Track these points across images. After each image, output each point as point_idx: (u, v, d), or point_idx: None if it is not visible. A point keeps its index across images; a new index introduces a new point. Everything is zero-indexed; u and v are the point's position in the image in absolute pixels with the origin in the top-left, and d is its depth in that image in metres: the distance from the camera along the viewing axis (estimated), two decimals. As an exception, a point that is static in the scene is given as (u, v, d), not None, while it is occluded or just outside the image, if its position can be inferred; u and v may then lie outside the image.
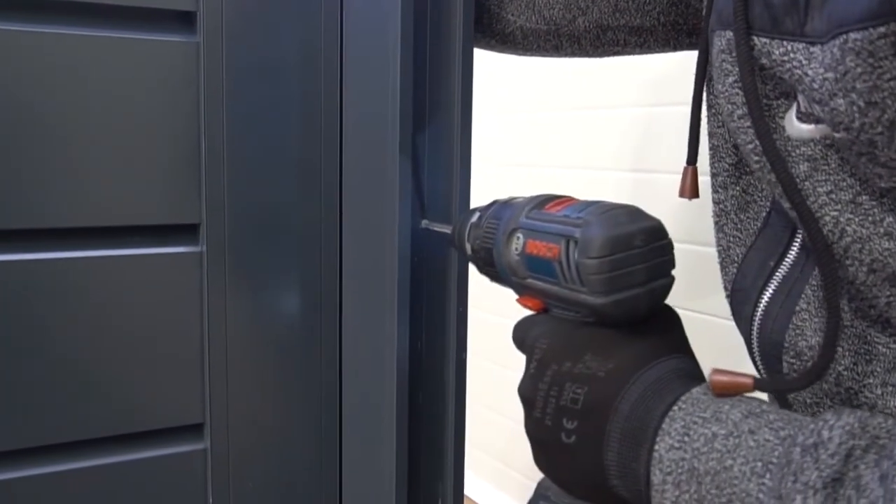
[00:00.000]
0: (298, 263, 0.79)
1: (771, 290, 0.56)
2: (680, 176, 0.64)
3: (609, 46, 0.79)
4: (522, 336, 0.59)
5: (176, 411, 0.77)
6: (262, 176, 0.77)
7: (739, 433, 0.46)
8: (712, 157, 0.62)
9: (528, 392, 0.55)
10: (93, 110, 0.70)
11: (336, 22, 0.77)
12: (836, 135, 0.46)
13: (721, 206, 0.61)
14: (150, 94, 0.72)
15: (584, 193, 0.57)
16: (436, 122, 0.74)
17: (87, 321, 0.73)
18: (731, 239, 0.61)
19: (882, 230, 0.47)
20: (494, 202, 0.63)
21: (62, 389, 0.72)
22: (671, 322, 0.56)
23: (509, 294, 0.62)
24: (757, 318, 0.57)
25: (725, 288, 0.62)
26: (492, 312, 1.85)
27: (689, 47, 0.79)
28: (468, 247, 0.64)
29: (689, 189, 0.63)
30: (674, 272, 0.54)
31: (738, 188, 0.60)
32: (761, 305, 0.57)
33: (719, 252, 0.62)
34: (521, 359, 0.59)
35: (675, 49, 0.80)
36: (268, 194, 0.77)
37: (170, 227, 0.75)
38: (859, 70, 0.42)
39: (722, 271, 0.62)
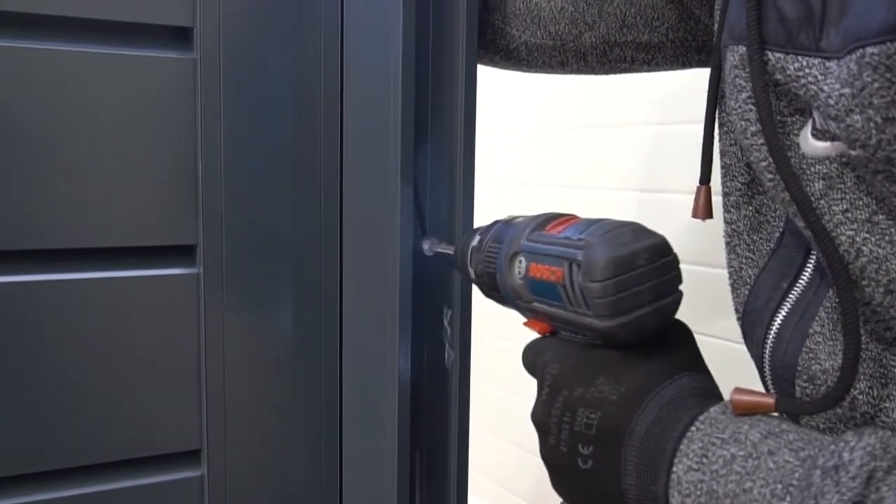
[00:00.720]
0: (298, 285, 0.78)
1: (784, 313, 0.56)
2: (689, 196, 0.64)
3: (616, 63, 0.78)
4: (532, 361, 0.58)
5: (173, 437, 0.76)
6: (261, 195, 0.76)
7: (759, 454, 0.46)
8: (724, 175, 0.61)
9: (542, 419, 0.55)
10: (87, 128, 0.69)
11: (336, 39, 0.76)
12: (853, 152, 0.45)
13: (733, 226, 0.61)
14: (146, 112, 0.71)
15: (590, 213, 0.56)
16: (438, 139, 0.73)
17: (81, 345, 0.71)
18: (744, 260, 0.60)
19: None
20: (496, 222, 0.63)
21: (55, 414, 0.71)
22: (683, 338, 0.56)
23: (515, 317, 0.61)
24: (769, 341, 0.56)
25: (737, 310, 0.61)
26: (497, 336, 1.84)
27: (699, 64, 0.78)
28: (471, 271, 0.63)
29: (703, 209, 0.62)
30: (681, 287, 0.53)
31: (750, 208, 0.59)
32: (774, 328, 0.56)
33: (731, 273, 0.62)
34: (525, 383, 0.58)
35: (683, 66, 0.78)
36: (266, 214, 0.76)
37: (165, 249, 0.74)
38: (876, 85, 0.41)
39: (733, 293, 0.62)
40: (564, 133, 1.82)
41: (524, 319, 0.60)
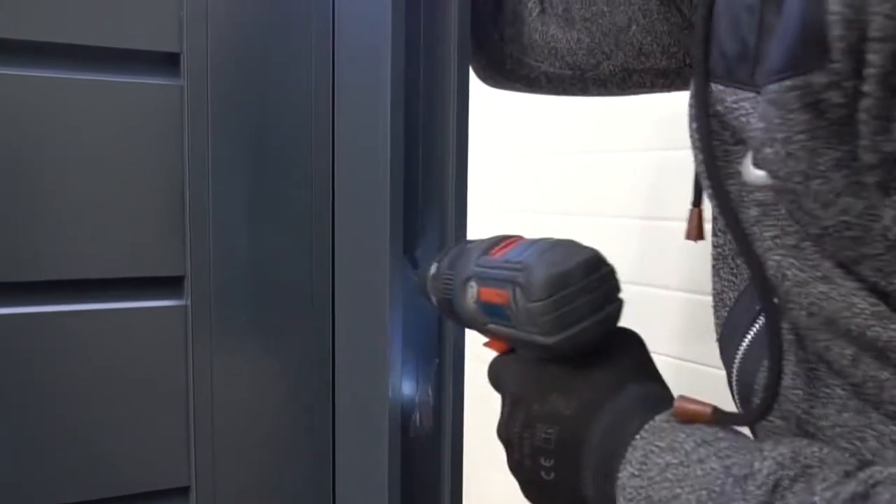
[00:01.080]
0: (289, 317, 0.77)
1: (752, 334, 0.58)
2: None
3: (636, 88, 0.80)
4: (495, 379, 0.62)
5: (160, 474, 0.75)
6: (250, 225, 0.75)
7: (689, 462, 0.48)
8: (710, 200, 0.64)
9: (505, 435, 0.59)
10: (71, 157, 0.69)
11: (328, 64, 0.76)
12: (769, 182, 0.47)
13: (719, 249, 0.63)
14: (132, 140, 0.70)
15: (589, 241, 0.58)
16: (430, 168, 0.72)
17: (66, 380, 0.71)
18: (726, 283, 0.62)
19: (819, 274, 0.48)
20: (450, 248, 0.66)
21: (40, 451, 0.70)
22: (632, 345, 0.59)
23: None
24: (737, 360, 0.59)
25: (716, 331, 0.63)
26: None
27: None
28: (433, 298, 0.66)
29: (695, 231, 0.65)
30: (621, 295, 0.56)
31: None
32: (742, 348, 0.59)
33: (714, 296, 0.64)
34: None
35: None
36: (256, 244, 0.75)
37: (152, 280, 0.73)
38: (777, 121, 0.44)
39: (715, 315, 0.64)
40: (562, 159, 1.81)
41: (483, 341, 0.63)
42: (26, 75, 0.66)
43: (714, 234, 0.63)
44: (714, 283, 0.63)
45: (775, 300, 0.52)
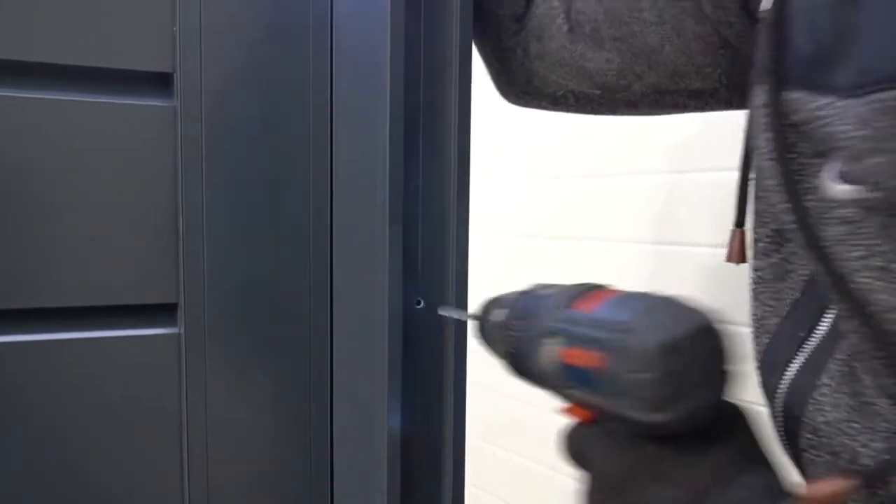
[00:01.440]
0: (285, 346, 0.76)
1: (798, 363, 0.56)
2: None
3: (668, 109, 0.77)
4: (577, 455, 0.54)
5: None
6: (246, 250, 0.74)
7: None
8: (756, 221, 0.61)
9: None
10: (59, 181, 0.67)
11: (326, 84, 0.75)
12: (871, 195, 0.45)
13: (760, 273, 0.60)
14: (123, 163, 0.69)
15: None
16: (430, 191, 0.70)
17: (56, 410, 0.69)
18: (767, 308, 0.59)
19: None
20: (519, 295, 0.58)
21: (29, 482, 0.69)
22: (736, 423, 0.51)
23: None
24: (781, 391, 0.57)
25: (756, 359, 0.60)
26: (502, 393, 1.78)
27: None
28: (498, 350, 0.58)
29: (737, 253, 0.62)
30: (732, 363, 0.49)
31: (779, 255, 0.59)
32: (787, 378, 0.56)
33: (753, 321, 0.61)
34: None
35: (738, 108, 0.78)
36: (251, 271, 0.74)
37: (144, 308, 0.72)
38: (893, 130, 0.42)
39: (754, 341, 0.61)
40: (573, 182, 1.79)
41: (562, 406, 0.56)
42: (11, 96, 0.65)
43: (755, 257, 0.60)
44: (754, 308, 0.61)
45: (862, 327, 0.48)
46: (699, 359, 0.47)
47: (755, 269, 0.61)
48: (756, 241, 0.60)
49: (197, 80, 0.70)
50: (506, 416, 1.95)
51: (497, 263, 1.88)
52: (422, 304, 0.69)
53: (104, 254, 0.69)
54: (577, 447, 0.54)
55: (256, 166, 0.73)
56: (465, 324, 0.68)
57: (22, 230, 0.66)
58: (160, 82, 0.70)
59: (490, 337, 0.59)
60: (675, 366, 0.45)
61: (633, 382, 0.46)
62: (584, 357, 0.49)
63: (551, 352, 0.51)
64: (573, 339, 0.50)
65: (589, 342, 0.49)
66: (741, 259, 0.62)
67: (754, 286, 0.61)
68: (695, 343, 0.46)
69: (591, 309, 0.50)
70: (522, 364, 0.55)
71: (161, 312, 0.72)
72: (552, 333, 0.52)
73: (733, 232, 0.62)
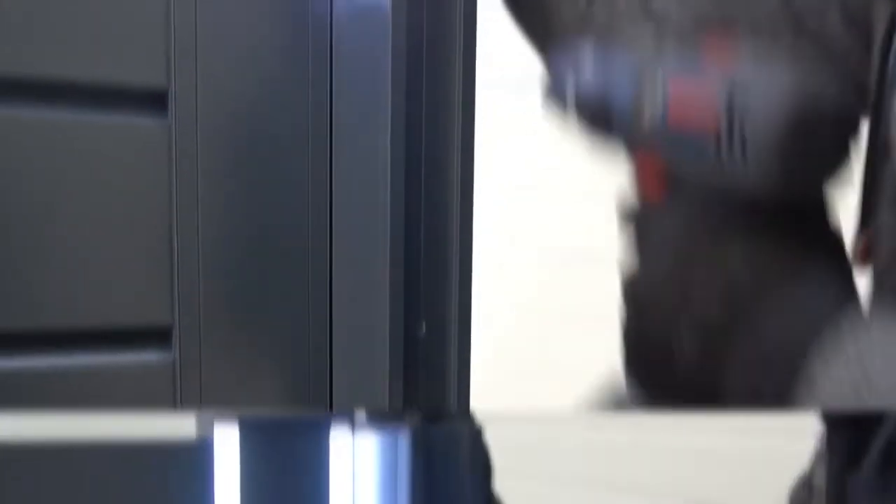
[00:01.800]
0: (283, 371, 0.75)
1: None
2: None
3: None
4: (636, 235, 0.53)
5: None
6: (241, 273, 0.73)
7: None
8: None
9: None
10: (51, 200, 0.67)
11: (325, 101, 0.74)
12: None
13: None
14: (116, 182, 0.69)
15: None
16: (433, 206, 0.70)
17: None
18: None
19: None
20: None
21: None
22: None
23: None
24: None
25: None
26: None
27: None
28: (568, 95, 0.53)
29: (864, 254, 0.59)
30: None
31: None
32: None
33: None
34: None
35: None
36: (248, 293, 0.73)
37: (138, 331, 0.71)
38: None
39: None
40: (590, 199, 1.78)
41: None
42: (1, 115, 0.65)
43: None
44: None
45: None
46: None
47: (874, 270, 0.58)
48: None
49: (192, 97, 0.69)
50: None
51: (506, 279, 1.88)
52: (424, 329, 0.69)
53: (95, 274, 0.69)
54: (642, 226, 0.53)
55: (253, 186, 0.73)
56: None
57: (9, 252, 0.66)
58: (154, 100, 0.69)
59: (567, 81, 0.53)
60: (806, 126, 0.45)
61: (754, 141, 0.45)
62: (695, 117, 0.46)
63: (655, 107, 0.48)
64: (686, 96, 0.47)
65: (706, 100, 0.46)
66: (867, 260, 0.59)
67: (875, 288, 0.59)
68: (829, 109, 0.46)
69: (716, 58, 0.49)
70: (608, 116, 0.51)
71: (154, 336, 0.71)
72: (662, 79, 0.48)
73: (859, 233, 0.59)
